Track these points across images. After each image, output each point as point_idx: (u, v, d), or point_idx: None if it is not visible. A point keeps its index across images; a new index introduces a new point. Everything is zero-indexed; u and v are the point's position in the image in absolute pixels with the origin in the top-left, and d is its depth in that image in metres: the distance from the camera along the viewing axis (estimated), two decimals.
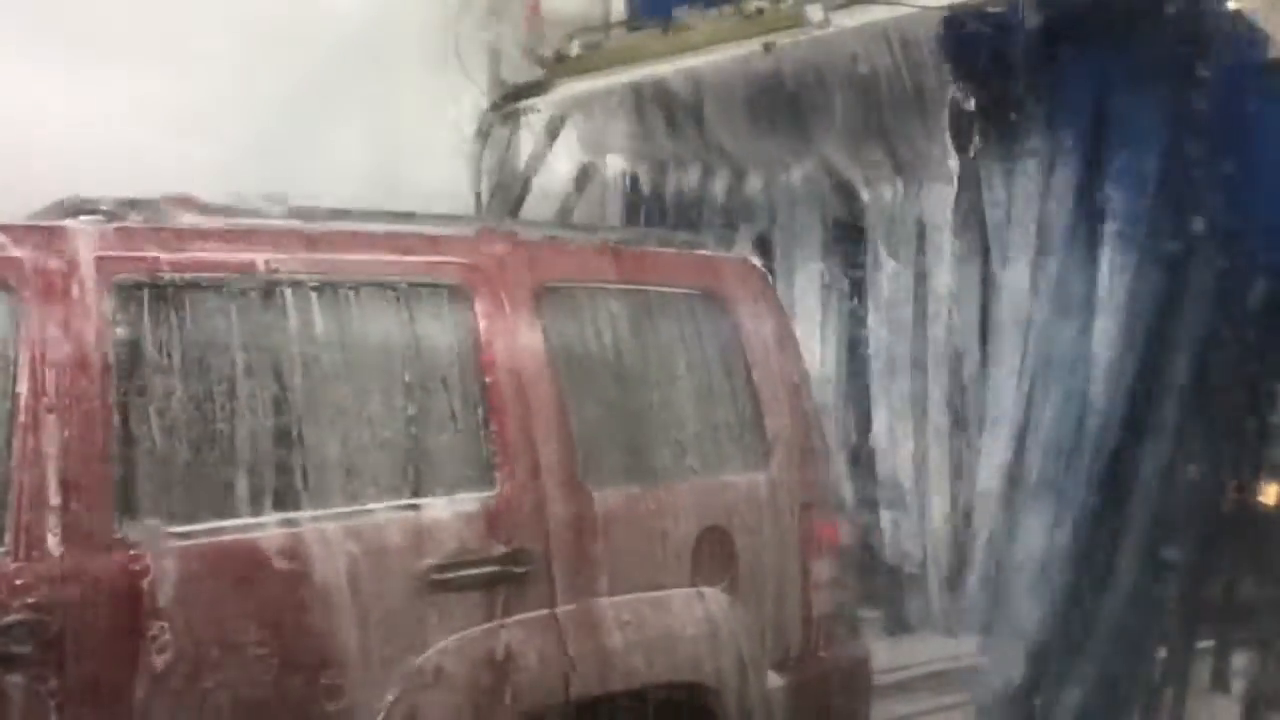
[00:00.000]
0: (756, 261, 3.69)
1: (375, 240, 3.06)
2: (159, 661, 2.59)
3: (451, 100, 6.80)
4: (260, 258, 2.87)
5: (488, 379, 3.08)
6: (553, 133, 6.78)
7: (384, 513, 2.90)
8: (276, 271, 2.87)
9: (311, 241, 2.97)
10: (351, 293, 2.97)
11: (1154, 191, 4.64)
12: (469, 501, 3.01)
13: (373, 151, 6.47)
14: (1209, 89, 4.58)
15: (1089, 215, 4.76)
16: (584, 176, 6.90)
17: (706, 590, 3.33)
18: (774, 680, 3.42)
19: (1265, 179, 4.68)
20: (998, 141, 5.00)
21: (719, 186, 6.08)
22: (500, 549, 3.01)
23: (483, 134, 6.85)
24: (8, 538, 2.50)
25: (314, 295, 2.91)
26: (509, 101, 6.87)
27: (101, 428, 2.60)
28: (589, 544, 3.16)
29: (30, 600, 2.49)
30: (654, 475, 3.31)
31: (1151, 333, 4.62)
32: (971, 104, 4.98)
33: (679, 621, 3.27)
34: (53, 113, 5.39)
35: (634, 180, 6.49)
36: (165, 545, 2.63)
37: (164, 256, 2.77)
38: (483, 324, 3.10)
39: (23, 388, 2.56)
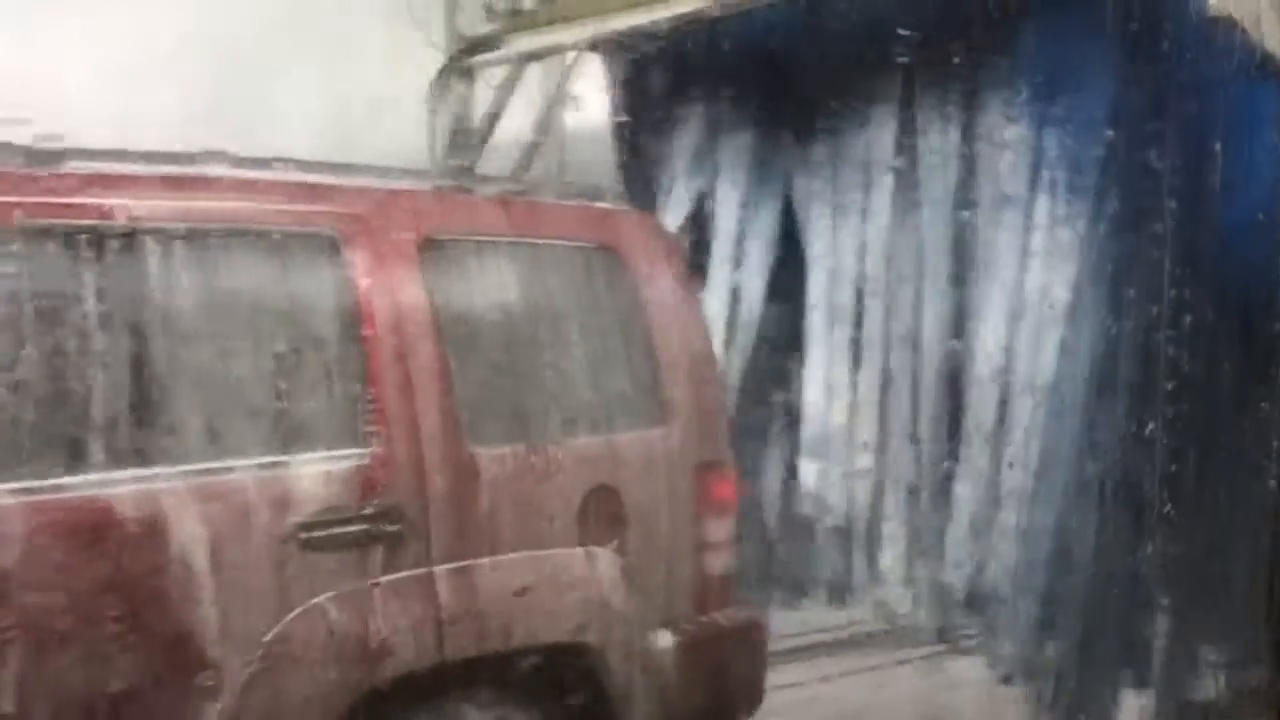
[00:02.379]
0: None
1: (247, 187, 2.86)
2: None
3: (408, 54, 6.59)
4: (121, 203, 2.68)
5: (364, 333, 2.90)
6: (509, 87, 6.57)
7: (247, 470, 2.72)
8: (138, 218, 2.68)
9: (178, 187, 2.77)
10: (219, 241, 2.78)
11: (1100, 143, 4.47)
12: (341, 459, 2.84)
13: (328, 105, 6.27)
14: (1157, 46, 4.40)
15: (1032, 166, 4.59)
16: (542, 131, 6.70)
17: (594, 550, 3.17)
18: (664, 640, 3.27)
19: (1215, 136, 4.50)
20: (940, 90, 4.81)
21: (686, 141, 5.89)
22: (372, 507, 2.85)
23: (439, 88, 6.65)
24: None
25: (178, 244, 2.72)
26: (466, 55, 6.66)
27: None
28: (470, 503, 2.99)
29: None
30: (542, 434, 3.13)
31: (1100, 287, 4.45)
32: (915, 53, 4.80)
33: (562, 581, 3.11)
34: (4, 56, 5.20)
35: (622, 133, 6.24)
36: (8, 501, 2.45)
37: (13, 201, 2.57)
38: (360, 276, 2.91)
39: None
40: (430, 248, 3.04)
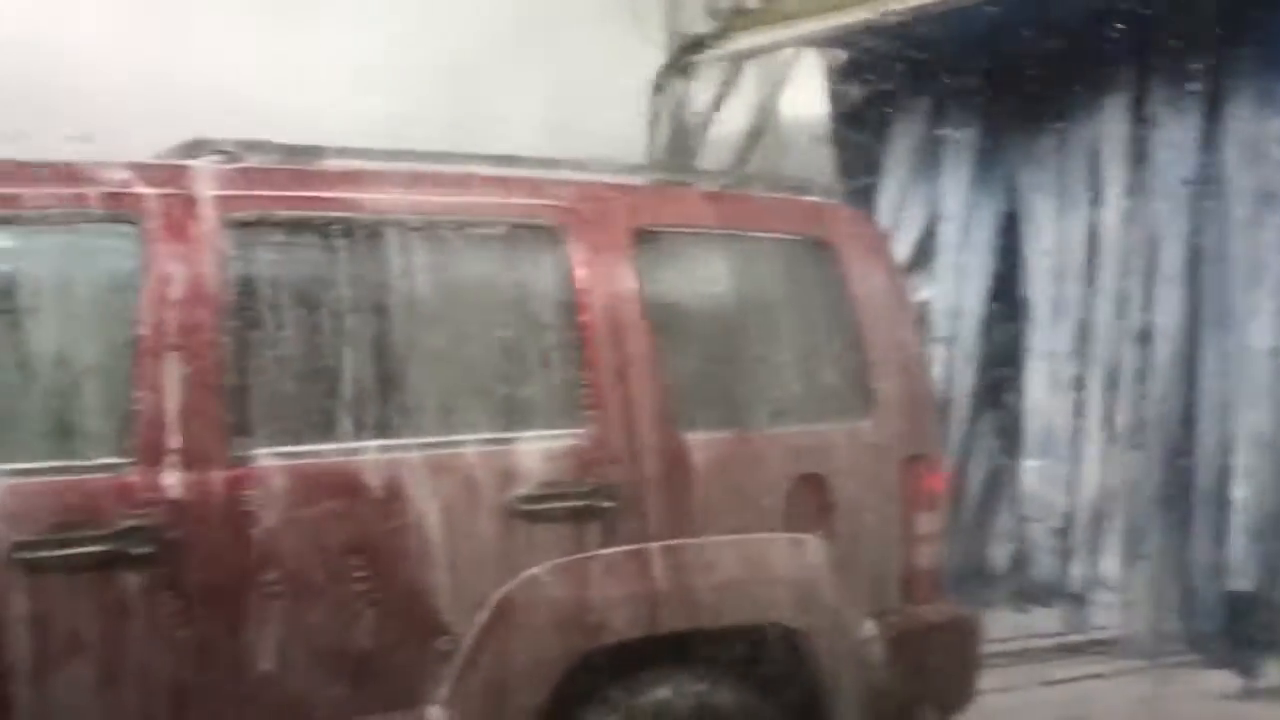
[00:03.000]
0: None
1: (476, 182, 3.15)
2: (264, 570, 2.75)
3: (628, 52, 6.87)
4: (367, 198, 3.00)
5: (582, 320, 3.13)
6: (728, 83, 6.77)
7: (475, 445, 2.99)
8: (381, 212, 3.00)
9: (416, 183, 3.08)
10: (452, 233, 3.07)
11: None
12: (560, 438, 3.08)
13: (549, 104, 6.62)
14: None
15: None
16: (759, 126, 6.87)
17: (801, 536, 3.31)
18: (871, 631, 3.37)
19: None
20: (1178, 80, 4.72)
21: (907, 136, 5.94)
22: (588, 484, 3.07)
23: (659, 86, 6.91)
24: (133, 456, 2.69)
25: (415, 235, 3.02)
26: (685, 53, 6.89)
27: (215, 355, 2.77)
28: (680, 485, 3.18)
29: (152, 508, 2.67)
30: (750, 421, 3.30)
31: None
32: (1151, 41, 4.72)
33: (770, 564, 3.26)
34: (240, 68, 5.74)
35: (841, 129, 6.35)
36: (271, 464, 2.79)
37: (277, 196, 2.92)
38: (578, 266, 3.15)
39: (145, 317, 2.74)
40: (643, 239, 3.24)
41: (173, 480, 2.71)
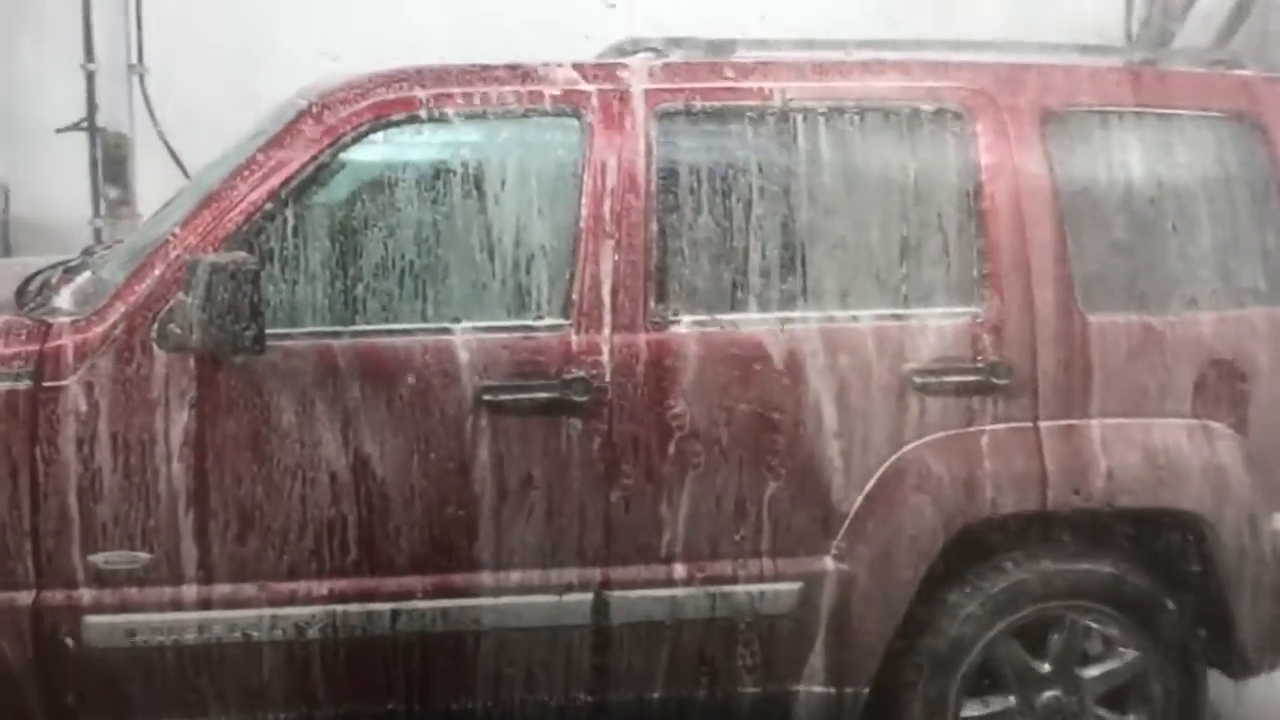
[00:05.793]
0: None
1: (881, 68, 3.44)
2: (678, 418, 3.26)
3: None
4: (777, 87, 3.39)
5: (984, 203, 3.37)
6: None
7: (871, 320, 3.33)
8: (791, 100, 3.37)
9: (822, 71, 3.42)
10: (856, 117, 3.40)
11: None
12: (956, 316, 3.34)
13: None
14: None
15: None
16: (1245, 6, 6.53)
17: (1210, 424, 3.39)
18: None
19: None
20: None
21: None
22: (982, 361, 3.33)
23: None
24: (574, 319, 3.27)
25: (822, 120, 3.38)
26: None
27: (643, 234, 3.27)
28: (1080, 366, 3.35)
29: (587, 363, 3.25)
30: (1159, 305, 3.40)
31: None
32: None
33: (1173, 449, 3.36)
34: None
35: None
36: (688, 330, 3.29)
37: (698, 88, 3.37)
38: (983, 147, 3.36)
39: (588, 198, 3.28)
40: (1053, 120, 3.40)
41: (605, 341, 3.27)
